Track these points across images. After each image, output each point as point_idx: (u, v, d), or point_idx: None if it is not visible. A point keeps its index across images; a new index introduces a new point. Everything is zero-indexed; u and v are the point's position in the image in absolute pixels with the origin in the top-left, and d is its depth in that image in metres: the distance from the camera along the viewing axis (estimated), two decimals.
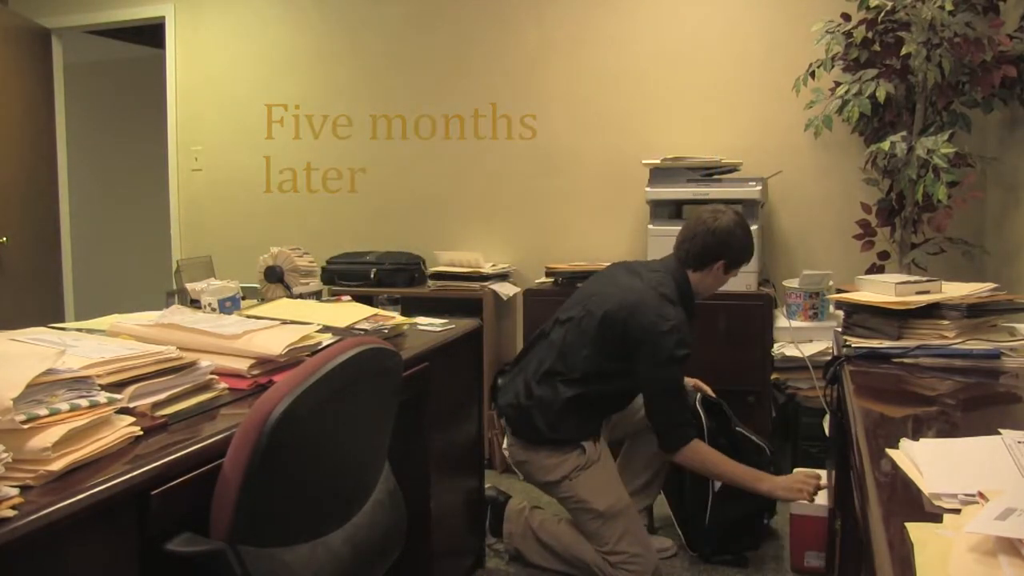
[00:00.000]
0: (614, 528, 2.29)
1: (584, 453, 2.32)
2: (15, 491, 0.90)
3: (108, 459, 1.06)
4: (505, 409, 2.42)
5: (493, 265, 3.70)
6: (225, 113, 4.30)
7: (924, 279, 1.77)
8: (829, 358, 1.71)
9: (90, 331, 1.60)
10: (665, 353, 2.21)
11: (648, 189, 3.22)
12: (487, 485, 2.66)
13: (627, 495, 2.39)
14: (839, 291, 1.91)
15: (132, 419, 1.14)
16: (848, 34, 2.88)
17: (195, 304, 2.05)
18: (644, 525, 2.58)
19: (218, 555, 1.09)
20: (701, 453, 2.25)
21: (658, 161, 3.24)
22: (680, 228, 2.43)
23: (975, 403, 1.31)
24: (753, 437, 2.62)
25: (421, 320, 2.31)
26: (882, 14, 2.77)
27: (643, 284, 2.29)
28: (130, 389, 1.20)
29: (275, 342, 1.53)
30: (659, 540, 2.66)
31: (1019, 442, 0.96)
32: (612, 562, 2.28)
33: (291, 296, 2.34)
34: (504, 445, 2.47)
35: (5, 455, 0.91)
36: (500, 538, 2.59)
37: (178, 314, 1.67)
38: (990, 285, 1.72)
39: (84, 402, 1.06)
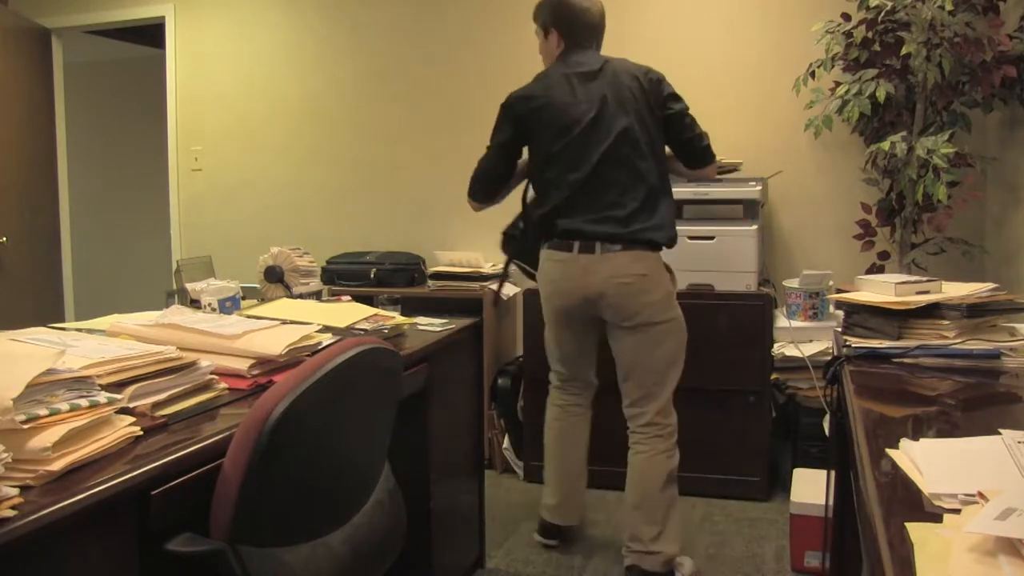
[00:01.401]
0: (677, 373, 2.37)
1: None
2: (15, 491, 0.90)
3: (108, 459, 1.06)
4: (634, 234, 2.26)
5: (493, 265, 3.70)
6: (225, 113, 4.30)
7: (924, 279, 1.77)
8: (829, 358, 1.71)
9: (90, 331, 1.60)
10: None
11: None
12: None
13: None
14: (839, 291, 1.91)
15: (132, 419, 1.14)
16: (848, 34, 2.88)
17: (195, 304, 2.05)
18: None
19: (218, 555, 1.09)
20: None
21: None
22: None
23: (975, 403, 1.31)
24: None
25: (421, 320, 2.31)
26: (882, 14, 2.78)
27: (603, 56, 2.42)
28: (130, 389, 1.20)
29: (275, 342, 1.53)
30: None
31: (1019, 442, 0.96)
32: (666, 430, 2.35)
33: (291, 296, 2.34)
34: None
35: (5, 455, 0.91)
36: None
37: (178, 314, 1.67)
38: (990, 285, 1.72)
39: (84, 402, 1.06)
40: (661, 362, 2.36)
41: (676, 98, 2.40)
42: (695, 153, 2.43)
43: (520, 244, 2.56)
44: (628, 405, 2.44)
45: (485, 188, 2.49)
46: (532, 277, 2.54)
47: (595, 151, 2.28)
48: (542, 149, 2.35)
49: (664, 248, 2.35)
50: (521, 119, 2.37)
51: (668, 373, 2.38)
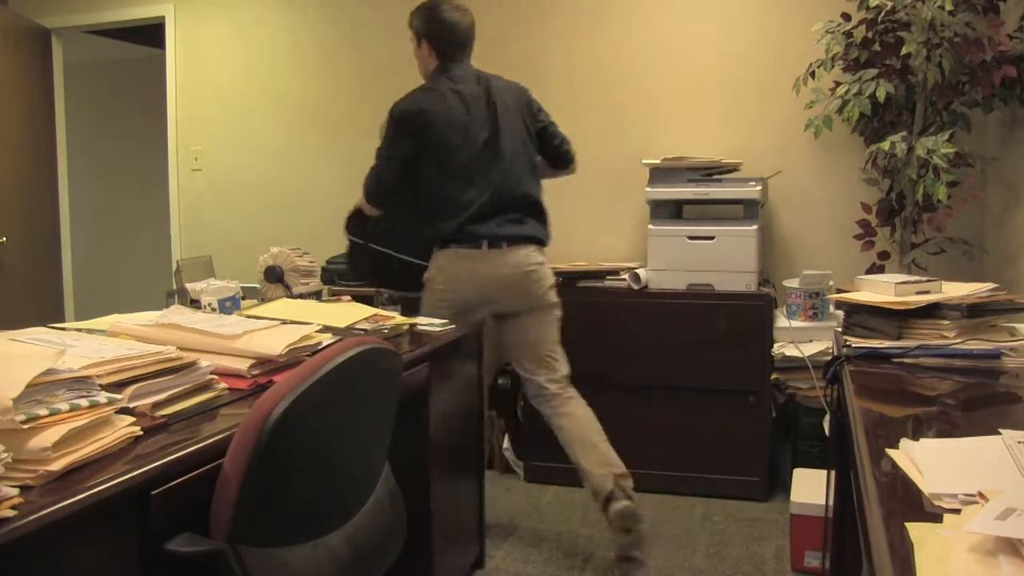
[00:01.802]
0: None
1: None
2: (15, 491, 0.90)
3: (108, 459, 1.05)
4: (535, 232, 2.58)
5: None
6: (225, 113, 4.30)
7: (924, 279, 1.77)
8: (829, 358, 1.71)
9: (90, 331, 1.60)
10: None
11: (648, 189, 3.22)
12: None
13: None
14: (839, 291, 1.91)
15: (132, 419, 1.14)
16: (848, 34, 2.88)
17: (195, 304, 2.05)
18: None
19: (218, 555, 1.09)
20: None
21: (658, 161, 3.24)
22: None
23: (975, 403, 1.31)
24: None
25: (421, 320, 2.31)
26: (882, 14, 2.78)
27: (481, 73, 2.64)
28: (130, 389, 1.20)
29: (275, 342, 1.53)
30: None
31: (1019, 442, 0.96)
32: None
33: (291, 296, 2.34)
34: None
35: (5, 455, 0.91)
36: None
37: (178, 314, 1.67)
38: (990, 285, 1.72)
39: (84, 402, 1.05)
40: (556, 334, 2.67)
41: (543, 110, 2.71)
42: (564, 157, 2.77)
43: (378, 232, 2.73)
44: (538, 371, 2.65)
45: (387, 195, 2.60)
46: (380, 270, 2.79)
47: (493, 168, 2.50)
48: (439, 164, 2.49)
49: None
50: (417, 134, 2.48)
51: (559, 343, 2.69)
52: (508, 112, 2.55)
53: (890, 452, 0.98)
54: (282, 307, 2.08)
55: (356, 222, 2.74)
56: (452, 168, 2.48)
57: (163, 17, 4.36)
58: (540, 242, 2.61)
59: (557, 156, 2.74)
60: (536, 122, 2.66)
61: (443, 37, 2.57)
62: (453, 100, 2.50)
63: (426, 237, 2.57)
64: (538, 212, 2.62)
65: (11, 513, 0.87)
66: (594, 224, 3.72)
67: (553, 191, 3.76)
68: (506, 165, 2.51)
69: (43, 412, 0.99)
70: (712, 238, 3.10)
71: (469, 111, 2.50)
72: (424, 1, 2.62)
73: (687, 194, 3.18)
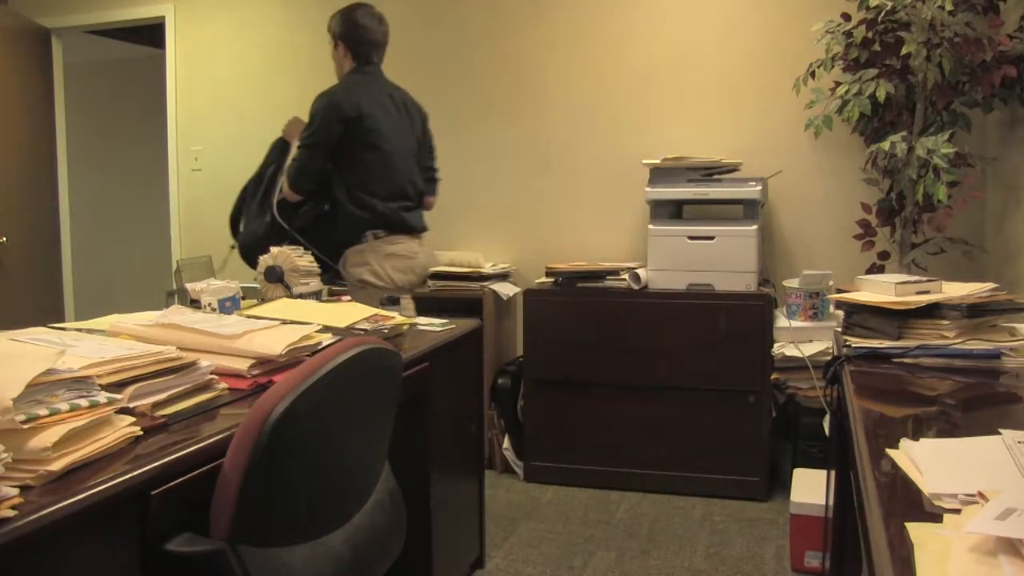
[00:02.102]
0: None
1: None
2: (15, 491, 0.90)
3: (108, 459, 1.05)
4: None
5: (493, 265, 3.70)
6: (225, 113, 4.30)
7: (924, 279, 1.77)
8: (829, 358, 1.71)
9: (90, 331, 1.59)
10: None
11: (648, 189, 3.22)
12: None
13: None
14: (839, 291, 1.91)
15: (132, 419, 1.14)
16: (848, 34, 2.88)
17: (195, 304, 2.05)
18: None
19: (218, 555, 1.09)
20: None
21: (658, 161, 3.24)
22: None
23: (975, 403, 1.31)
24: None
25: (421, 320, 2.31)
26: (882, 14, 2.78)
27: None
28: (130, 389, 1.20)
29: (275, 342, 1.53)
30: None
31: (1019, 442, 0.96)
32: None
33: (291, 296, 2.34)
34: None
35: (5, 455, 0.91)
36: None
37: (178, 314, 1.67)
38: (990, 285, 1.72)
39: (84, 402, 1.05)
40: None
41: (430, 136, 2.99)
42: (432, 180, 2.98)
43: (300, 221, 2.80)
44: None
45: (312, 182, 2.72)
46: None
47: (411, 168, 2.80)
48: (366, 160, 2.67)
49: None
50: (348, 128, 2.63)
51: None
52: (416, 121, 2.87)
53: (890, 452, 0.98)
54: (282, 307, 2.08)
55: (282, 209, 2.82)
56: (379, 164, 2.67)
57: (163, 17, 4.36)
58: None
59: (427, 176, 2.94)
60: (426, 134, 2.94)
61: (359, 40, 2.76)
62: (385, 101, 2.73)
63: (337, 238, 2.70)
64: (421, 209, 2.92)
65: (11, 513, 0.86)
66: (594, 224, 3.72)
67: (553, 191, 3.78)
68: (414, 167, 2.81)
69: (43, 412, 0.99)
70: (712, 238, 3.10)
71: (394, 115, 2.75)
72: (343, 6, 2.79)
73: (687, 194, 3.18)
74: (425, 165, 2.92)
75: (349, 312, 2.00)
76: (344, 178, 2.67)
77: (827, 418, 2.69)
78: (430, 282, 3.64)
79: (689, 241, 3.13)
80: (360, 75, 2.77)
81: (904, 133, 2.77)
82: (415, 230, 2.81)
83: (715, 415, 3.10)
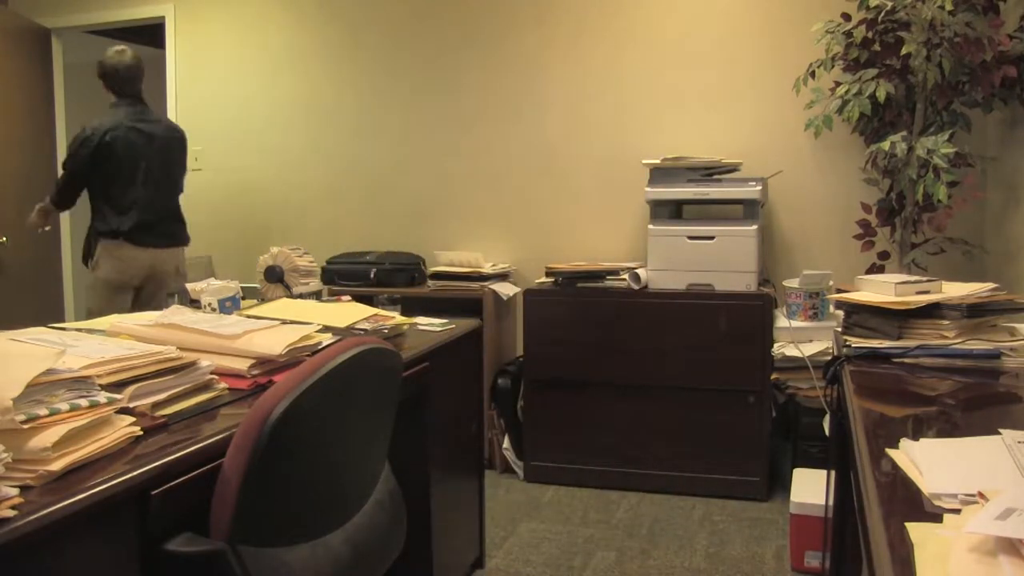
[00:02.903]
0: None
1: None
2: (15, 491, 0.90)
3: (108, 459, 1.05)
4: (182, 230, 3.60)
5: (493, 265, 3.71)
6: (225, 113, 4.30)
7: (924, 279, 1.77)
8: (829, 358, 1.70)
9: (90, 331, 1.60)
10: None
11: (648, 189, 3.22)
12: None
13: None
14: (839, 291, 1.91)
15: (132, 419, 1.14)
16: (848, 34, 2.88)
17: (195, 304, 2.05)
18: None
19: (218, 555, 1.09)
20: None
21: (658, 161, 3.24)
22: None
23: (975, 403, 1.31)
24: None
25: (421, 320, 2.31)
26: (882, 14, 2.78)
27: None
28: (130, 389, 1.20)
29: (275, 342, 1.53)
30: None
31: (1019, 442, 0.96)
32: None
33: (291, 296, 2.34)
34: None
35: (5, 455, 0.91)
36: None
37: (178, 314, 1.67)
38: (990, 285, 1.72)
39: (84, 402, 1.05)
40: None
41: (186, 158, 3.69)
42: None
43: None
44: None
45: (72, 201, 3.55)
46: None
47: (160, 190, 3.47)
48: (116, 184, 3.35)
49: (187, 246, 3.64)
50: (100, 160, 3.31)
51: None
52: (172, 145, 3.53)
53: (890, 452, 0.98)
54: (282, 307, 2.08)
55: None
56: (128, 186, 3.36)
57: (163, 17, 4.36)
58: (182, 243, 3.60)
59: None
60: (184, 155, 3.64)
61: (112, 78, 3.42)
62: (132, 132, 3.36)
63: (89, 238, 3.45)
64: (182, 223, 3.61)
65: (11, 513, 0.86)
66: (594, 224, 3.72)
67: (553, 191, 3.78)
68: (165, 189, 3.49)
69: (43, 412, 0.99)
70: (712, 238, 3.10)
71: (139, 144, 3.38)
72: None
73: (687, 194, 3.18)
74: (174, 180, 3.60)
75: (349, 312, 2.00)
76: (93, 191, 3.40)
77: (827, 418, 2.69)
78: (430, 282, 3.65)
79: (689, 241, 3.13)
80: (113, 107, 3.42)
81: (904, 133, 2.77)
82: (146, 241, 3.41)
83: (715, 415, 3.10)
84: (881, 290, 1.74)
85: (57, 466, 0.97)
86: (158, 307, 3.16)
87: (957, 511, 0.79)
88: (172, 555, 1.05)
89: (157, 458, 1.08)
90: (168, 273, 3.51)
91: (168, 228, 3.51)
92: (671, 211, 3.27)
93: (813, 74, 3.02)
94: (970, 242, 2.98)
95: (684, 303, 3.12)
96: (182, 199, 3.59)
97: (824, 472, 2.35)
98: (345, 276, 3.69)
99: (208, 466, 1.14)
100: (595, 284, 3.27)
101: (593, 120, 3.69)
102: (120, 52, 3.42)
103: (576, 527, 2.86)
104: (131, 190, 3.36)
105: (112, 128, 3.31)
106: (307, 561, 1.21)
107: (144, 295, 3.51)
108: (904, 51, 2.72)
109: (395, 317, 2.10)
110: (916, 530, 0.74)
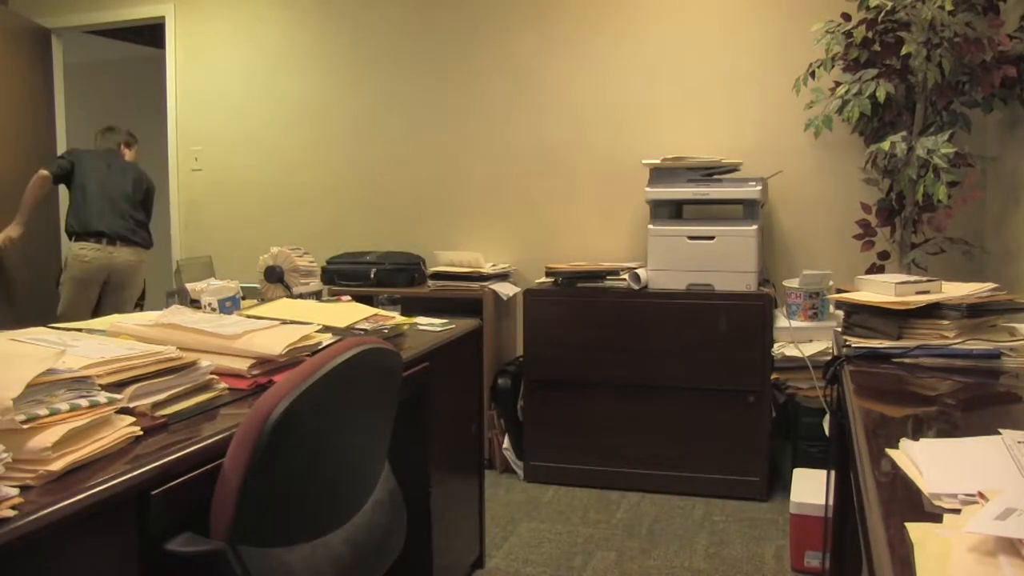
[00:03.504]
0: None
1: None
2: (15, 491, 0.90)
3: (108, 459, 1.05)
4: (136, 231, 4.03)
5: (493, 265, 3.71)
6: (225, 113, 4.30)
7: (924, 279, 1.77)
8: (829, 358, 1.70)
9: (90, 331, 1.60)
10: None
11: (648, 189, 3.22)
12: None
13: None
14: (839, 291, 1.91)
15: (132, 419, 1.14)
16: (848, 34, 2.88)
17: (195, 304, 2.05)
18: None
19: (218, 555, 1.09)
20: None
21: (658, 161, 3.24)
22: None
23: (975, 403, 1.31)
24: None
25: (421, 320, 2.31)
26: (882, 14, 2.78)
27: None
28: (130, 389, 1.20)
29: (275, 342, 1.53)
30: None
31: (1019, 442, 0.96)
32: None
33: (291, 296, 2.34)
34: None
35: (5, 455, 0.91)
36: None
37: (178, 314, 1.67)
38: (990, 285, 1.72)
39: (84, 402, 1.05)
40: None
41: (152, 192, 4.16)
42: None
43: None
44: None
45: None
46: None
47: (116, 200, 3.95)
48: (82, 192, 3.90)
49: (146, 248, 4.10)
50: (71, 172, 3.93)
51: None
52: (124, 179, 4.02)
53: (890, 452, 0.98)
54: (282, 307, 2.08)
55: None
56: (88, 195, 3.89)
57: (163, 17, 4.36)
58: (142, 246, 4.04)
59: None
60: (145, 192, 4.11)
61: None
62: (96, 156, 4.03)
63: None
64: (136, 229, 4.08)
65: (11, 513, 0.86)
66: (594, 224, 3.72)
67: (553, 191, 3.78)
68: (123, 202, 3.97)
69: (43, 412, 0.99)
70: (712, 238, 3.10)
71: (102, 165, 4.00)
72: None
73: (687, 194, 3.18)
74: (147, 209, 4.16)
75: (349, 312, 2.00)
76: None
77: (827, 418, 2.69)
78: (430, 282, 3.65)
79: (689, 241, 3.13)
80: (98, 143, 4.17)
81: (904, 133, 2.77)
82: (103, 239, 3.91)
83: (715, 415, 3.10)
84: (881, 290, 1.74)
85: (57, 466, 0.97)
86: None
87: (957, 511, 0.79)
88: (172, 555, 1.05)
89: (157, 458, 1.08)
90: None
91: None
92: (671, 211, 3.27)
93: (813, 74, 3.02)
94: (970, 242, 2.98)
95: (684, 303, 3.12)
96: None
97: (824, 472, 2.35)
98: (345, 276, 3.69)
99: (208, 466, 1.14)
100: (595, 284, 3.27)
101: (593, 120, 3.69)
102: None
103: (576, 527, 2.86)
104: None
105: None
106: (307, 561, 1.21)
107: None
108: (904, 51, 2.72)
109: (395, 317, 2.10)
110: (916, 530, 0.74)
